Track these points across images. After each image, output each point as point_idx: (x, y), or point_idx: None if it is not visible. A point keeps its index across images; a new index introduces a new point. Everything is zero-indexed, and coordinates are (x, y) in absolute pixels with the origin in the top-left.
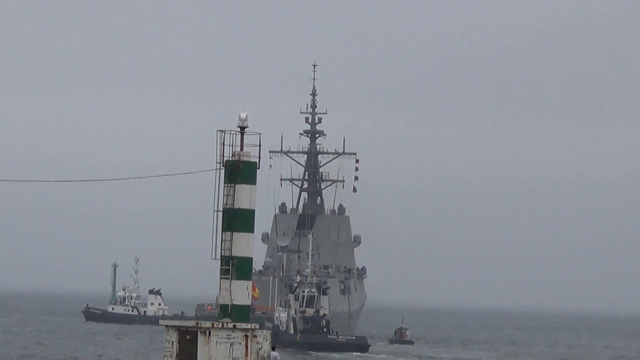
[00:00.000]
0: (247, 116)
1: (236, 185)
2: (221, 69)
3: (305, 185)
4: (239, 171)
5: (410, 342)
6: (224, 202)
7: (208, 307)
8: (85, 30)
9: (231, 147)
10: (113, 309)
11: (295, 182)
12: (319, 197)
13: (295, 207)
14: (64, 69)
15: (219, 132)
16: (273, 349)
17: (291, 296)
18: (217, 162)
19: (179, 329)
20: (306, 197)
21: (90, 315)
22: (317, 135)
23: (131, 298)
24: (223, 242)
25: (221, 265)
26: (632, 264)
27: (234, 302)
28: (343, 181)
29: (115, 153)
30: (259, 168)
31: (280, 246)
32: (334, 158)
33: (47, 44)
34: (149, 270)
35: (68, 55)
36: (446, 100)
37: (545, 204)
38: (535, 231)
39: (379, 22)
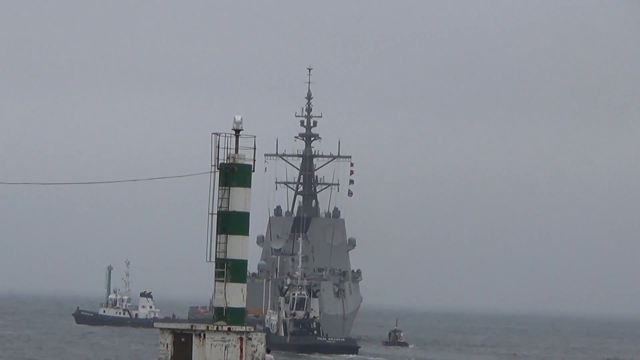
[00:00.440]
0: (242, 119)
1: (231, 188)
2: (216, 72)
3: (301, 188)
4: (234, 174)
5: (405, 344)
6: (219, 205)
7: (201, 310)
8: (81, 32)
9: (226, 149)
10: (104, 311)
11: (290, 185)
12: (314, 200)
13: (290, 210)
14: (59, 71)
15: (214, 134)
16: (268, 351)
17: (281, 299)
18: (212, 165)
19: (173, 331)
20: (301, 200)
21: (81, 318)
22: (312, 139)
23: (122, 301)
24: (218, 244)
25: (216, 267)
26: (635, 265)
27: (228, 305)
28: (338, 184)
29: (110, 155)
30: (253, 171)
31: (274, 249)
32: (329, 161)
33: (42, 45)
34: (141, 273)
35: (63, 57)
36: (441, 104)
37: (542, 205)
38: (533, 233)
39: (374, 25)
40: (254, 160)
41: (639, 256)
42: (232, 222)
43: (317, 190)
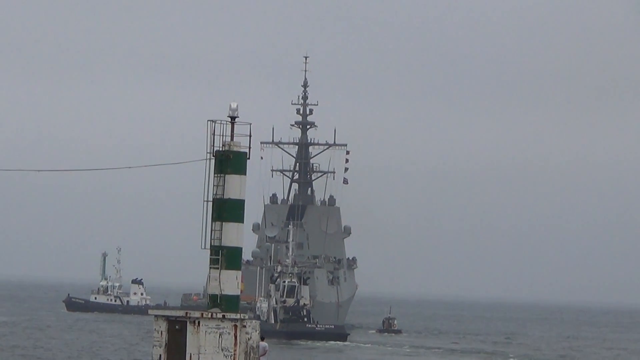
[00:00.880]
0: (237, 106)
1: (226, 176)
2: (212, 60)
3: (296, 176)
4: (229, 161)
5: (398, 332)
6: (214, 192)
7: (194, 297)
8: (76, 21)
9: (221, 137)
10: (95, 298)
11: (286, 173)
12: (309, 188)
13: (286, 198)
14: (55, 59)
15: (209, 122)
16: (262, 339)
17: (272, 286)
18: (207, 152)
19: (167, 318)
20: (297, 188)
21: (72, 304)
22: (308, 127)
23: (114, 288)
24: (213, 232)
25: (211, 255)
26: (635, 254)
27: (223, 292)
28: (334, 172)
29: (105, 142)
30: (249, 158)
31: (269, 237)
32: (325, 149)
33: (38, 34)
34: (133, 260)
35: (58, 45)
36: (438, 92)
37: (539, 194)
38: (530, 221)
39: (371, 13)
40: (250, 148)
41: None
42: (227, 210)
43: (313, 178)
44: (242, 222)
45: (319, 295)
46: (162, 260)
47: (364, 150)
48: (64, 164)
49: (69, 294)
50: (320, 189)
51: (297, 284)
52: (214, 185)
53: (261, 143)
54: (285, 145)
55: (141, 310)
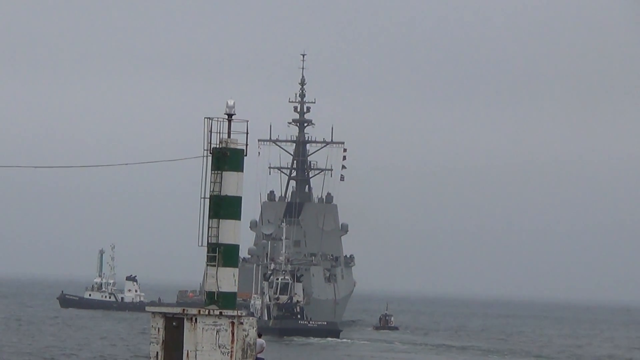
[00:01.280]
0: (234, 103)
1: (223, 172)
2: (210, 58)
3: (294, 173)
4: (226, 158)
5: (395, 329)
6: (211, 189)
7: (190, 294)
8: (74, 18)
9: (218, 134)
10: (90, 295)
11: (283, 170)
12: (307, 186)
13: (283, 195)
14: (51, 57)
15: (206, 119)
16: (259, 336)
17: (265, 283)
18: (204, 149)
19: (165, 315)
20: (294, 185)
21: (66, 301)
22: (305, 125)
23: (108, 284)
24: (210, 229)
25: (208, 252)
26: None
27: (220, 289)
28: (331, 170)
29: (102, 139)
30: (246, 155)
31: (265, 234)
32: (322, 147)
33: (36, 32)
34: (128, 258)
35: (55, 42)
36: (435, 90)
37: (537, 191)
38: (528, 218)
39: (368, 11)
40: (247, 145)
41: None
42: (224, 207)
43: (310, 175)
44: (239, 220)
45: (315, 292)
46: (156, 258)
47: (361, 148)
48: (60, 161)
49: (62, 291)
50: (318, 187)
51: (290, 281)
52: (211, 182)
53: (259, 140)
54: (283, 143)
55: (136, 306)
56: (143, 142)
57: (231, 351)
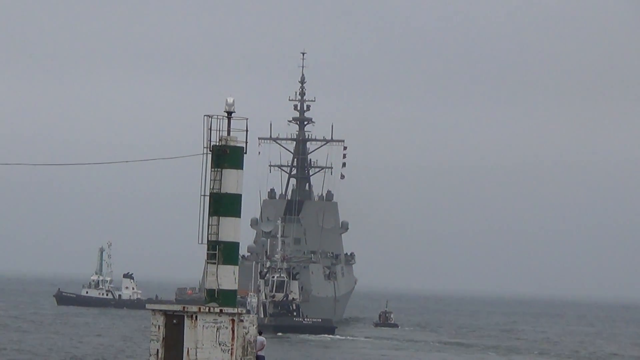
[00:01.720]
0: (234, 101)
1: (223, 170)
2: (210, 56)
3: (294, 171)
4: (226, 156)
5: (395, 326)
6: (211, 187)
7: (189, 291)
8: (73, 17)
9: (218, 131)
10: (87, 292)
11: (284, 168)
12: (307, 184)
13: (284, 193)
14: (51, 55)
15: (206, 116)
16: (260, 333)
17: (261, 281)
18: (204, 147)
19: (165, 313)
20: (295, 183)
21: (63, 299)
22: (305, 123)
23: (105, 282)
24: (210, 226)
25: (208, 250)
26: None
27: (220, 287)
28: (331, 168)
29: (102, 137)
30: (246, 153)
31: (264, 231)
32: (322, 145)
33: (35, 30)
34: (128, 255)
35: (55, 39)
36: (434, 87)
37: (538, 190)
38: (528, 217)
39: (367, 9)
40: (246, 142)
41: None
42: (224, 204)
43: (311, 173)
44: (239, 217)
45: (314, 289)
46: (154, 255)
47: (361, 146)
48: (60, 159)
49: (59, 288)
50: (318, 185)
51: (286, 279)
52: (211, 180)
53: (259, 139)
54: (283, 141)
55: (133, 304)
56: (143, 139)
57: (231, 349)
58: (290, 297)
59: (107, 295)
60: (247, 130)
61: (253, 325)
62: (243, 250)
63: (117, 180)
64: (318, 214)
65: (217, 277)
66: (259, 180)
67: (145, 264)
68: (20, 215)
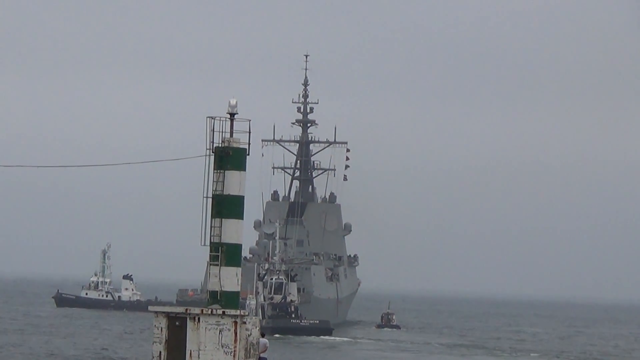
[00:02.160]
0: (236, 103)
1: (226, 172)
2: (213, 57)
3: (297, 173)
4: (229, 157)
5: (397, 327)
6: (214, 189)
7: (190, 293)
8: (75, 18)
9: (221, 133)
10: (87, 294)
11: (287, 170)
12: (310, 186)
13: (287, 195)
14: (53, 56)
15: (208, 118)
16: (262, 335)
17: (260, 283)
18: (206, 149)
19: (168, 315)
20: (298, 185)
21: (62, 300)
22: (308, 125)
23: (105, 283)
24: (212, 228)
25: (210, 251)
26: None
27: (223, 289)
28: (334, 170)
29: (104, 139)
30: (248, 154)
31: (266, 233)
32: (325, 147)
33: (36, 31)
34: (129, 256)
35: (58, 40)
36: (437, 89)
37: (540, 190)
38: (531, 218)
39: (371, 11)
40: (249, 144)
41: None
42: (226, 206)
43: (314, 175)
44: (242, 219)
45: (316, 291)
46: (154, 257)
47: (365, 148)
48: (63, 161)
49: (58, 290)
50: (321, 187)
51: (284, 281)
52: (213, 182)
53: (262, 141)
54: (286, 143)
55: (133, 305)
56: (146, 141)
57: (234, 351)
58: (288, 299)
59: (106, 296)
60: (249, 132)
61: (256, 327)
62: (244, 252)
63: (120, 181)
64: (321, 216)
65: (219, 279)
66: (262, 182)
67: (145, 266)
68: (21, 217)
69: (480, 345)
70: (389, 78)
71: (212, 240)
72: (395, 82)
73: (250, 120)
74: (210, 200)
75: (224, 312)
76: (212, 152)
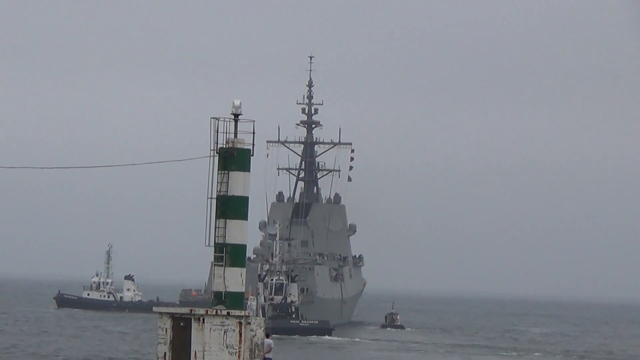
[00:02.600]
0: (241, 103)
1: (230, 172)
2: (217, 59)
3: (302, 174)
4: (233, 158)
5: (401, 327)
6: (218, 189)
7: (194, 293)
8: (78, 18)
9: (225, 134)
10: (88, 294)
11: (292, 171)
12: (315, 187)
13: (292, 195)
14: (56, 57)
15: (213, 119)
16: (267, 336)
17: (260, 284)
18: (210, 149)
19: (172, 315)
20: (302, 186)
21: (63, 301)
22: (313, 126)
23: (106, 284)
24: (217, 229)
25: (215, 252)
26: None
27: (227, 289)
28: (339, 171)
29: (109, 140)
30: (253, 155)
31: (270, 234)
32: (330, 148)
33: (39, 32)
34: (133, 257)
35: (63, 42)
36: (441, 90)
37: (542, 190)
38: (534, 219)
39: (375, 12)
40: (253, 145)
41: None
42: (231, 207)
43: (318, 176)
44: (246, 219)
45: (320, 291)
46: (157, 257)
47: (369, 149)
48: (66, 162)
49: (59, 290)
50: (326, 187)
51: (285, 282)
52: (217, 182)
53: (267, 142)
54: (291, 144)
55: (135, 306)
56: (150, 142)
57: (239, 351)
58: (289, 300)
59: (108, 297)
60: (254, 133)
61: (260, 328)
62: (249, 253)
63: (124, 182)
64: (325, 217)
65: (224, 279)
66: (267, 183)
67: (147, 266)
68: (23, 217)
69: (485, 345)
70: (393, 79)
71: (216, 241)
72: (399, 84)
73: (254, 121)
74: (214, 201)
75: (228, 313)
76: (217, 152)
